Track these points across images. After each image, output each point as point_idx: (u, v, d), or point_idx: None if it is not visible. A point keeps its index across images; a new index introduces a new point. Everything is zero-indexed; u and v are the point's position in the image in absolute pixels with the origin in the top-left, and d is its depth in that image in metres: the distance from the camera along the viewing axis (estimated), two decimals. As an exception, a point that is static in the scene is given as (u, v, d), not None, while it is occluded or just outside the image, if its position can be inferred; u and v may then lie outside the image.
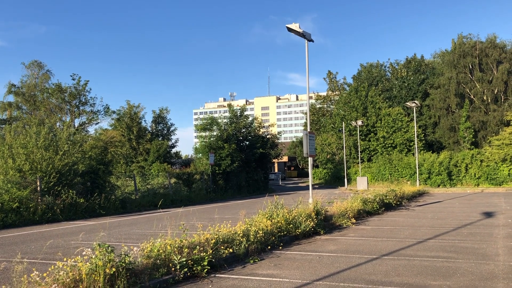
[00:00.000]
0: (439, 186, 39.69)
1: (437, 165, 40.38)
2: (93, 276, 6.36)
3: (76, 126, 36.00)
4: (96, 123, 38.48)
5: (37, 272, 6.13)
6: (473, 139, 47.27)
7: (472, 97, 49.77)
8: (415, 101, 38.54)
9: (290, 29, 15.56)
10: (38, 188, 19.42)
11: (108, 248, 6.84)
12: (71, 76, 35.43)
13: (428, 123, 55.06)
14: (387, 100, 57.48)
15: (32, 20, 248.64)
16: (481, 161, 39.25)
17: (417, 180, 37.55)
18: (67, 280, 6.22)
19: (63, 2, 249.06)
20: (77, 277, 6.31)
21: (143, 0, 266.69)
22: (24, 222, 17.79)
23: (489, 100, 49.01)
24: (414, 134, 42.13)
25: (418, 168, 38.78)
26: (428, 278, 7.30)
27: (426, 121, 55.17)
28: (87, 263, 6.52)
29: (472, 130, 47.14)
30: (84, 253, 6.70)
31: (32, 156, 20.15)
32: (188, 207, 24.57)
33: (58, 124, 35.07)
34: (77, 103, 37.18)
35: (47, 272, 6.22)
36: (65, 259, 6.60)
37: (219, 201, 30.00)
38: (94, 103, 37.27)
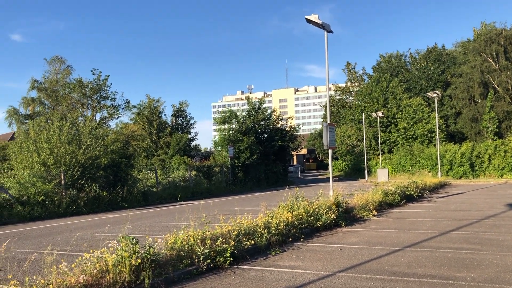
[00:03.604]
0: (461, 177, 39.09)
1: (459, 156, 39.75)
2: (119, 267, 6.51)
3: (97, 120, 36.54)
4: (117, 118, 39.04)
5: (65, 263, 6.30)
6: (497, 130, 46.34)
7: (496, 86, 48.70)
8: (436, 92, 37.89)
9: (309, 21, 15.45)
10: (62, 182, 19.83)
11: (133, 240, 6.98)
12: (92, 71, 35.98)
13: (450, 113, 54.10)
14: (407, 91, 56.67)
15: (51, 16, 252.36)
16: (505, 151, 38.46)
17: (439, 172, 37.00)
18: (94, 271, 6.37)
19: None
20: (104, 268, 6.47)
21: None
22: (49, 214, 18.21)
23: (514, 90, 47.92)
24: (436, 125, 41.50)
25: (440, 159, 38.22)
26: (452, 270, 7.25)
27: (447, 111, 54.21)
28: (113, 254, 6.66)
29: (496, 120, 46.19)
30: (110, 245, 6.85)
31: (56, 150, 20.59)
32: (208, 199, 24.77)
33: (80, 118, 35.62)
34: (98, 98, 37.74)
35: (75, 263, 6.38)
36: (92, 251, 6.76)
37: (238, 194, 30.15)
38: (114, 98, 37.79)
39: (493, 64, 49.08)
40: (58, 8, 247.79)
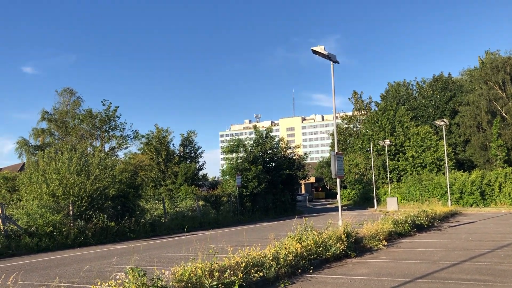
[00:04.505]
0: (471, 206, 38.58)
1: (469, 185, 39.35)
2: (127, 300, 6.45)
3: (106, 150, 36.78)
4: (126, 148, 39.25)
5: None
6: (506, 157, 45.91)
7: (504, 114, 48.58)
8: (444, 120, 37.91)
9: (315, 52, 15.67)
10: (71, 213, 19.84)
11: (140, 272, 6.94)
12: (102, 102, 36.43)
13: (458, 141, 53.88)
14: (414, 119, 56.70)
15: (63, 48, 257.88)
16: (516, 179, 38.05)
17: (449, 200, 36.62)
18: (102, 304, 6.32)
19: (90, 31, 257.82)
20: (111, 301, 6.41)
21: (170, 26, 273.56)
22: (57, 246, 18.16)
23: (522, 117, 47.68)
24: (444, 153, 41.30)
25: (449, 187, 37.87)
26: (465, 303, 7.09)
27: (455, 139, 54.01)
28: (121, 287, 6.62)
29: (505, 148, 45.83)
30: (117, 277, 6.81)
31: (65, 181, 20.67)
32: (216, 229, 24.60)
33: (89, 149, 35.89)
34: (107, 128, 38.07)
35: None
36: (99, 283, 6.72)
37: (246, 224, 29.91)
38: (123, 128, 38.04)
39: (500, 92, 49.10)
40: (69, 41, 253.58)
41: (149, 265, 10.87)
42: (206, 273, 7.92)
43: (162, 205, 27.78)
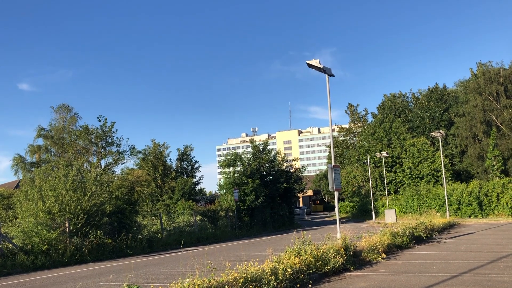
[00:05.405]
0: (470, 217, 38.49)
1: (467, 195, 39.30)
2: (123, 319, 6.36)
3: (102, 166, 36.63)
4: (122, 163, 39.09)
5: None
6: (503, 167, 46.00)
7: (499, 124, 48.82)
8: (440, 131, 38.01)
9: (310, 65, 15.73)
10: (67, 230, 19.67)
11: (137, 289, 6.86)
12: (98, 117, 36.38)
13: (455, 152, 54.02)
14: (410, 131, 56.92)
15: (60, 65, 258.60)
16: (513, 189, 38.00)
17: (447, 211, 36.54)
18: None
19: (86, 47, 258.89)
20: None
21: (166, 41, 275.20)
22: (53, 263, 17.96)
23: (517, 127, 47.91)
24: (441, 164, 41.34)
25: (447, 198, 37.81)
26: (466, 316, 7.02)
27: (452, 150, 54.15)
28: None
29: (501, 158, 45.93)
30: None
31: (61, 198, 20.52)
32: (214, 244, 24.43)
33: (85, 165, 35.74)
34: (104, 144, 37.96)
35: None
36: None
37: (244, 238, 29.72)
38: (120, 144, 37.95)
39: (494, 102, 49.43)
40: (66, 57, 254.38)
41: (146, 282, 10.76)
42: (203, 289, 7.83)
43: (159, 220, 27.61)
